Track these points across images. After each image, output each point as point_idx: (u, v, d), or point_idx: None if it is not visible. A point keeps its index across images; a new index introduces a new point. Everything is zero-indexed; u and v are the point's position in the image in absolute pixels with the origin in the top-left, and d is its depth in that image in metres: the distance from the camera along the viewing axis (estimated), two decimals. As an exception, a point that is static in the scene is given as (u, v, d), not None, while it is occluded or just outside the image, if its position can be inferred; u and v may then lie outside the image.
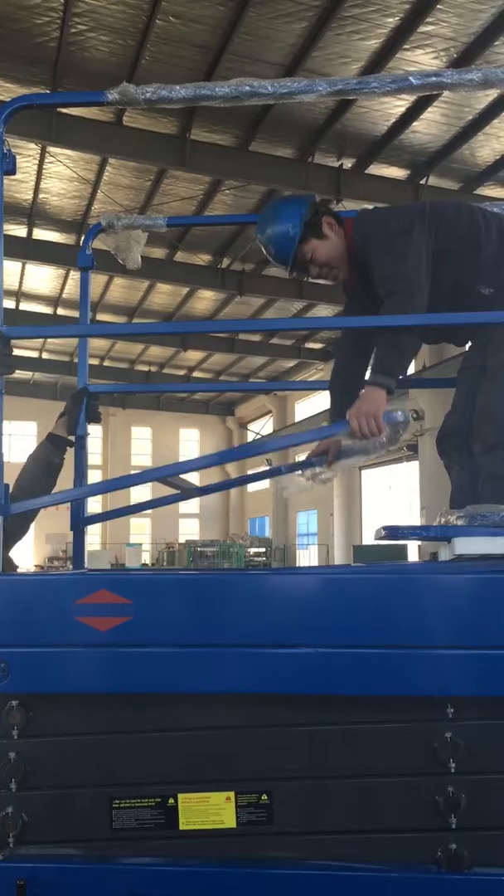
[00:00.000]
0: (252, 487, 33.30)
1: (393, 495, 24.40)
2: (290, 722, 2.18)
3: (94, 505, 31.38)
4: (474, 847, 2.07)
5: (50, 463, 3.44)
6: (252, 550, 29.36)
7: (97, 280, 19.28)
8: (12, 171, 2.40)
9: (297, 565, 26.61)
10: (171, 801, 2.19)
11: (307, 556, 30.15)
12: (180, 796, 2.18)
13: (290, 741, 2.18)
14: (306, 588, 2.19)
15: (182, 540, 31.37)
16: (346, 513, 25.98)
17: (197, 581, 2.35)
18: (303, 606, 2.14)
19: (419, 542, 14.48)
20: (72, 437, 3.46)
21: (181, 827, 2.17)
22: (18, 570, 3.51)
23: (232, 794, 2.17)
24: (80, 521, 3.37)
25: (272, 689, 2.15)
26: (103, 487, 3.58)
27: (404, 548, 17.24)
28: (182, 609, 2.16)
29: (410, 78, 2.37)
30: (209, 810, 2.17)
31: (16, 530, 3.26)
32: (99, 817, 2.19)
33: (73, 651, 2.15)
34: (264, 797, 2.17)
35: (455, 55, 11.16)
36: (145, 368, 29.51)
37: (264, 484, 28.87)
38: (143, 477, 2.77)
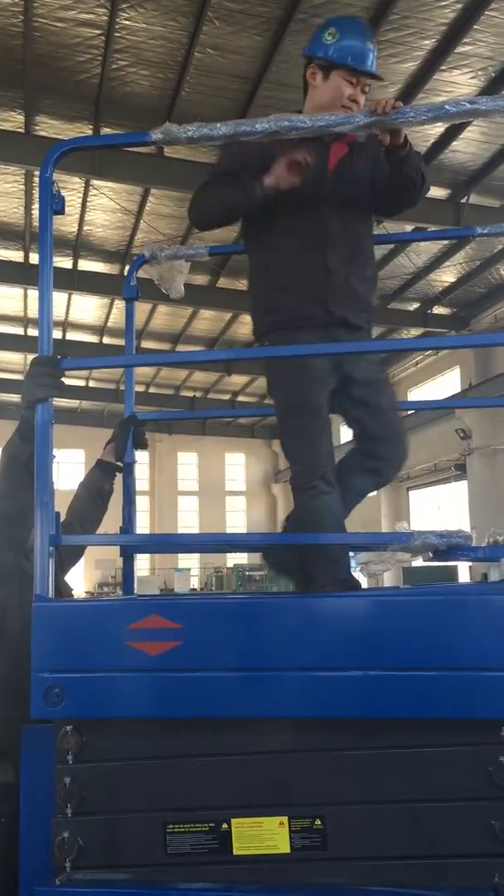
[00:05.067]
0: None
1: (442, 515, 24.13)
2: (343, 746, 2.17)
3: (143, 529, 31.60)
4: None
5: (100, 489, 3.50)
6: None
7: (141, 308, 19.50)
8: (61, 211, 2.47)
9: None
10: (225, 825, 2.19)
11: (359, 577, 29.89)
12: (234, 821, 2.18)
13: (343, 765, 2.17)
14: (356, 611, 2.19)
15: (230, 564, 31.40)
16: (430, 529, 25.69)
17: (245, 605, 2.36)
18: (353, 629, 2.14)
19: (470, 563, 14.28)
20: (120, 464, 3.51)
21: (235, 852, 2.17)
22: (73, 595, 3.57)
23: (286, 819, 2.17)
24: (129, 549, 3.42)
25: (323, 713, 2.14)
26: (151, 541, 3.63)
27: (455, 569, 17.00)
28: (231, 633, 2.17)
29: (446, 106, 2.38)
30: (263, 835, 2.16)
31: (70, 557, 3.32)
32: (153, 842, 2.20)
33: (126, 676, 2.18)
34: (318, 822, 2.16)
35: (493, 74, 11.15)
36: (190, 394, 29.73)
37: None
38: (192, 539, 2.81)
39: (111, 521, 3.48)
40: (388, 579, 25.13)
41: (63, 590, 3.16)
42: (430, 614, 2.13)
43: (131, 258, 16.86)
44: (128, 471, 3.50)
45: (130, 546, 3.40)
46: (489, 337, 2.91)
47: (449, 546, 2.32)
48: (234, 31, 10.45)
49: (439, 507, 24.36)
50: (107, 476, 3.51)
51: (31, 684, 2.17)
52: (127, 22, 10.34)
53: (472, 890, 2.07)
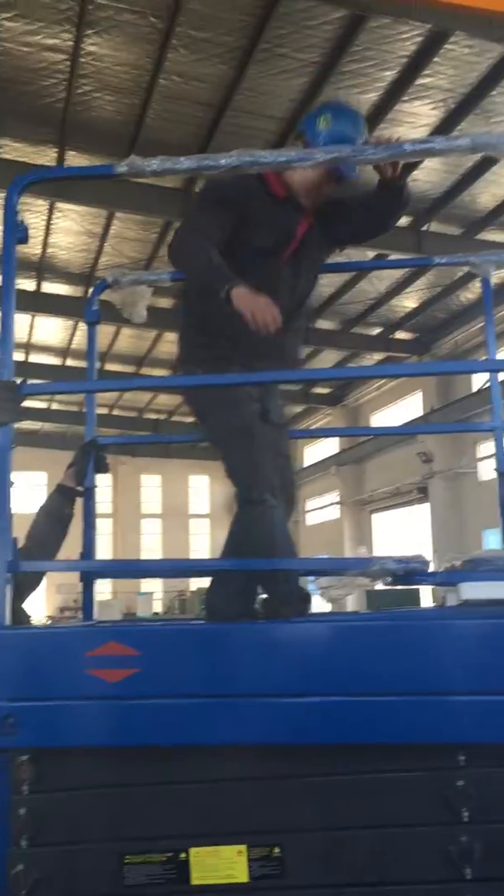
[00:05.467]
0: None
1: (405, 538, 24.28)
2: (301, 773, 2.17)
3: (105, 553, 31.31)
4: (489, 897, 2.04)
5: (60, 514, 3.48)
6: (264, 597, 29.10)
7: (105, 330, 19.51)
8: (25, 241, 2.48)
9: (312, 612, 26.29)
10: (183, 855, 2.17)
11: (320, 601, 29.90)
12: (192, 850, 2.16)
13: (302, 792, 2.17)
14: (314, 637, 2.20)
15: (193, 587, 31.23)
16: (369, 555, 25.86)
17: (203, 632, 2.36)
18: (310, 655, 2.15)
19: (432, 587, 14.36)
20: (80, 488, 3.49)
21: (193, 882, 2.15)
22: (31, 622, 3.53)
23: (244, 848, 2.15)
24: (89, 574, 3.39)
25: (283, 739, 2.14)
26: (110, 567, 3.60)
27: (417, 592, 17.09)
28: (190, 660, 2.17)
29: (404, 146, 2.48)
30: (221, 864, 2.15)
31: (29, 583, 3.28)
32: (111, 874, 2.17)
33: (83, 704, 2.15)
34: (277, 850, 2.15)
35: (453, 105, 11.40)
36: (154, 416, 29.66)
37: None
38: (151, 565, 2.80)
39: (72, 546, 3.46)
40: (351, 603, 25.20)
41: (21, 617, 3.13)
42: (389, 640, 2.14)
43: (95, 281, 16.83)
44: (88, 495, 3.48)
45: (90, 572, 3.38)
46: (441, 365, 2.95)
47: (406, 571, 2.34)
48: (198, 58, 10.56)
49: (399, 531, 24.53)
50: (67, 501, 3.49)
51: (-14, 713, 2.14)
52: (92, 48, 10.40)
53: (430, 916, 2.08)
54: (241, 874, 2.13)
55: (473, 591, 2.29)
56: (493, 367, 2.94)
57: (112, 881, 2.16)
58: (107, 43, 10.34)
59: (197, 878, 2.15)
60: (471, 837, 2.05)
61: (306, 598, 2.98)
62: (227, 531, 3.04)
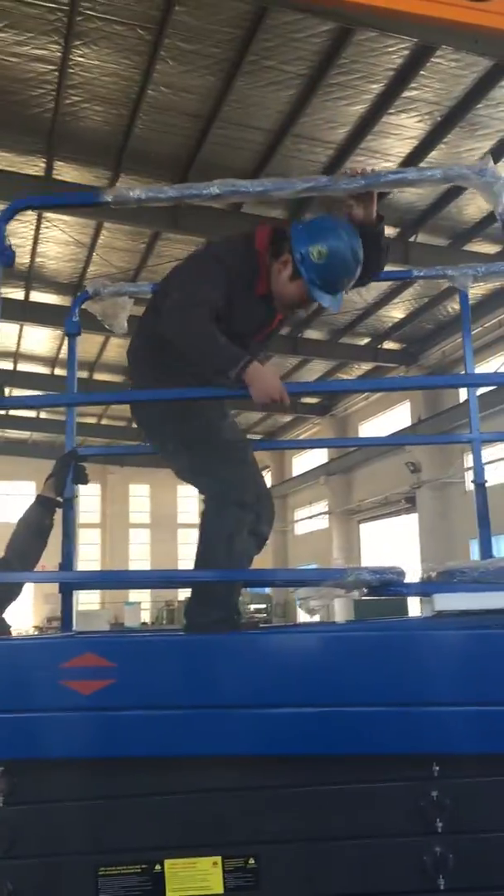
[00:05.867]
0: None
1: (393, 548, 24.31)
2: (277, 784, 2.17)
3: (94, 562, 31.22)
4: (463, 909, 2.05)
5: (40, 525, 3.47)
6: (252, 607, 29.09)
7: (94, 340, 19.51)
8: (11, 265, 2.50)
9: (298, 621, 26.32)
10: (158, 867, 2.17)
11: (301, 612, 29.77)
12: (167, 862, 2.16)
13: (277, 803, 2.17)
14: (287, 648, 2.21)
15: (182, 597, 31.15)
16: (346, 566, 25.82)
17: (178, 643, 2.36)
18: (284, 667, 2.16)
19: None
20: (60, 499, 3.49)
21: (168, 894, 2.15)
22: (12, 632, 3.52)
23: (219, 859, 2.15)
24: (68, 585, 3.39)
25: (258, 751, 2.15)
26: (90, 578, 3.58)
27: (404, 601, 17.10)
28: (165, 672, 2.17)
29: (379, 177, 2.56)
30: (196, 876, 2.15)
31: (8, 594, 3.27)
32: (85, 886, 2.16)
33: (58, 716, 2.15)
34: (251, 861, 2.15)
35: (439, 118, 11.48)
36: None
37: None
38: (132, 575, 2.80)
39: (57, 556, 3.45)
40: (339, 611, 25.23)
41: (1, 627, 3.13)
42: (363, 652, 2.15)
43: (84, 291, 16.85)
44: (68, 506, 3.48)
45: (69, 583, 3.37)
46: (420, 380, 2.98)
47: (381, 582, 2.35)
48: (186, 70, 10.61)
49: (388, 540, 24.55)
50: (47, 512, 3.49)
51: (-38, 725, 2.14)
52: (80, 59, 10.44)
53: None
54: (216, 886, 2.14)
55: (447, 602, 2.30)
56: (470, 382, 2.96)
57: (87, 893, 2.15)
58: (95, 54, 10.38)
59: (172, 891, 2.15)
60: (444, 847, 2.06)
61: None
62: (202, 542, 2.99)
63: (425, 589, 2.47)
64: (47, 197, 10.11)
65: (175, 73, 10.68)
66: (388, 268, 3.26)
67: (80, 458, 3.49)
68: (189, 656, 2.20)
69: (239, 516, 2.89)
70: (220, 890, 2.13)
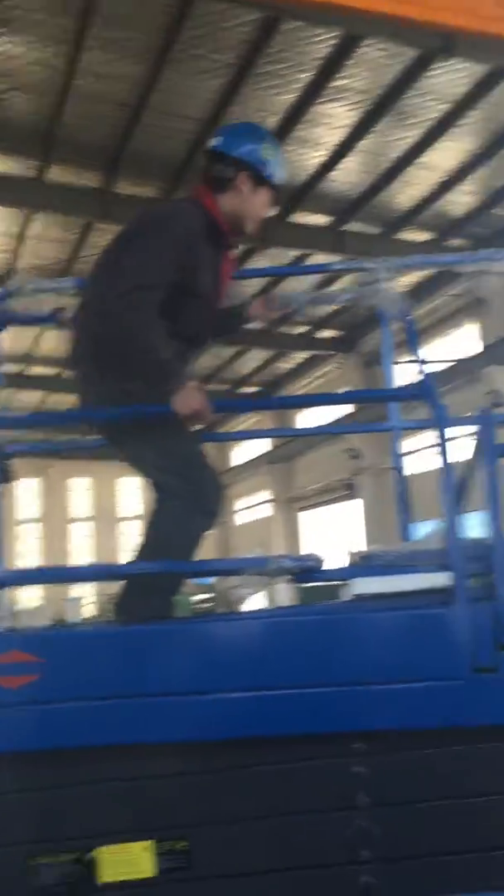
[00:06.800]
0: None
1: (336, 535, 24.56)
2: (206, 768, 2.22)
3: (33, 557, 30.84)
4: (388, 878, 2.13)
5: None
6: (197, 597, 29.10)
7: (28, 333, 19.22)
8: None
9: (241, 609, 26.36)
10: (91, 854, 2.20)
11: (253, 599, 29.96)
12: (100, 849, 2.19)
13: (207, 787, 2.22)
14: (213, 636, 2.26)
15: (125, 590, 30.89)
16: (289, 553, 26.02)
17: (105, 636, 2.39)
18: (211, 653, 2.20)
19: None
20: None
21: (102, 880, 2.18)
22: None
23: (150, 844, 2.19)
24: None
25: (186, 736, 2.19)
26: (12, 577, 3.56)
27: (346, 586, 17.31)
28: (93, 663, 2.20)
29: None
30: (128, 861, 2.19)
31: None
32: (19, 875, 2.18)
33: (-10, 710, 2.17)
34: (183, 844, 2.20)
35: (369, 107, 11.60)
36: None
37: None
38: (72, 572, 2.79)
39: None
40: (285, 598, 25.39)
41: None
42: (286, 635, 2.21)
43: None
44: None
45: None
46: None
47: (302, 569, 2.42)
48: (113, 58, 10.50)
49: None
50: None
51: None
52: (5, 46, 10.25)
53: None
54: (147, 869, 2.18)
55: (364, 586, 2.38)
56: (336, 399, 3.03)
57: (20, 883, 2.17)
58: (20, 41, 10.20)
59: (105, 876, 2.18)
60: (368, 821, 2.14)
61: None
62: (150, 533, 2.96)
63: (342, 574, 2.55)
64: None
65: (102, 61, 10.56)
66: (315, 258, 3.42)
67: (5, 455, 3.44)
68: (116, 647, 2.23)
69: (204, 524, 2.89)
70: (153, 873, 2.17)
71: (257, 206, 3.04)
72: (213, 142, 3.10)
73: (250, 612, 3.36)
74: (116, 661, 2.19)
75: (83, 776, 2.21)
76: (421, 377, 2.85)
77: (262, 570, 2.36)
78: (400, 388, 3.03)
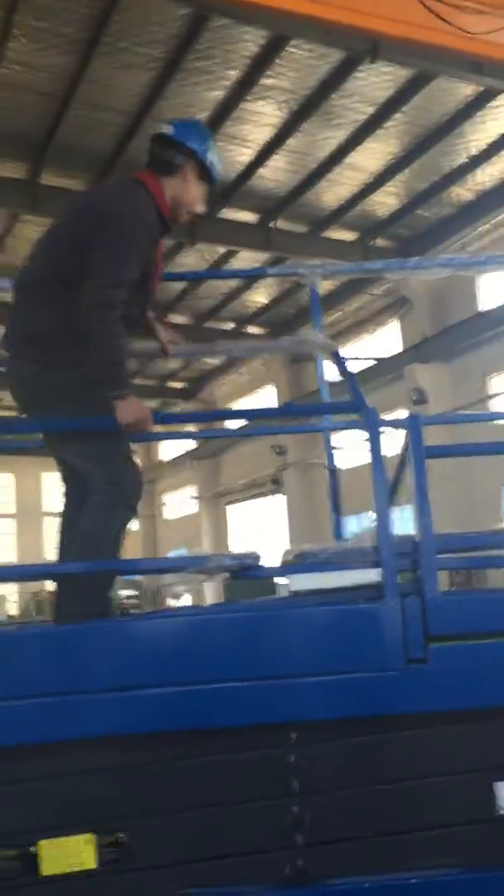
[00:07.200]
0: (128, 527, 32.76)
1: (261, 529, 24.74)
2: (144, 760, 2.27)
3: (-44, 556, 30.16)
4: (319, 861, 2.22)
5: None
6: (123, 593, 28.94)
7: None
8: None
9: (167, 607, 26.36)
10: (32, 848, 2.23)
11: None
12: (40, 843, 2.22)
13: (146, 779, 2.27)
14: (152, 632, 2.31)
15: (50, 588, 30.57)
16: (216, 549, 26.11)
17: (41, 635, 2.43)
18: (149, 649, 2.26)
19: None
20: None
21: (43, 873, 2.21)
22: None
23: (91, 836, 2.24)
24: None
25: (125, 730, 2.24)
26: None
27: (272, 582, 17.49)
28: (30, 662, 2.23)
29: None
30: (69, 853, 2.22)
31: None
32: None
33: None
34: (122, 835, 2.25)
35: (295, 107, 11.73)
36: (5, 413, 28.83)
37: (133, 524, 28.56)
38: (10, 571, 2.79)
39: None
40: (210, 594, 25.49)
41: None
42: (223, 631, 2.28)
43: None
44: None
45: None
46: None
47: (240, 567, 2.49)
48: (39, 48, 10.39)
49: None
50: None
51: None
52: None
53: (268, 881, 2.23)
54: (89, 861, 2.22)
55: (300, 582, 2.47)
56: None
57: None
58: None
59: (46, 869, 2.22)
60: (301, 807, 2.23)
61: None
62: (86, 536, 2.96)
63: (280, 572, 2.63)
64: None
65: (27, 50, 10.43)
66: (242, 254, 3.53)
67: None
68: (53, 646, 2.26)
69: (127, 517, 2.97)
70: (94, 865, 2.22)
71: (195, 196, 3.23)
72: (167, 129, 3.25)
73: (192, 609, 3.42)
74: (56, 660, 2.23)
75: (22, 772, 2.24)
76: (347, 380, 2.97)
77: (202, 568, 2.43)
78: (336, 403, 3.14)
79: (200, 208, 3.26)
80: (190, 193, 3.20)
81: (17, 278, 3.19)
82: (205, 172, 3.22)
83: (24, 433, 3.43)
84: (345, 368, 3.11)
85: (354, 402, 2.72)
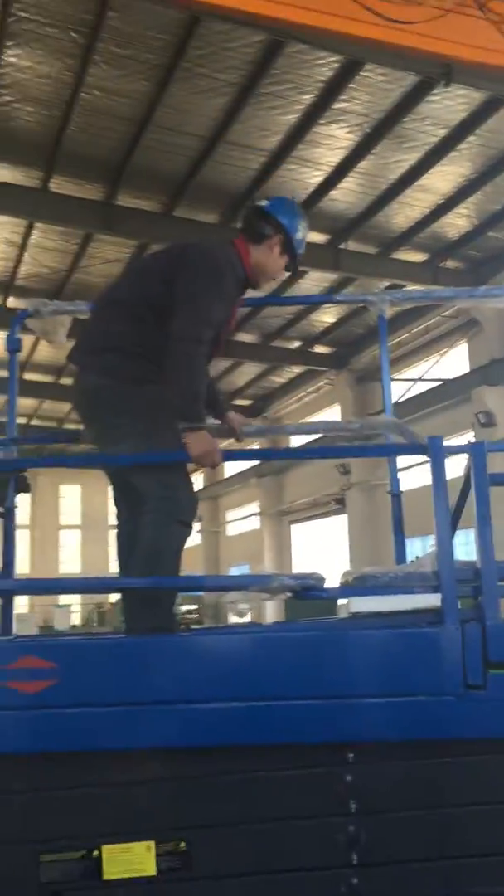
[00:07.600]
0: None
1: (323, 549, 24.67)
2: (206, 773, 2.34)
3: (22, 564, 30.81)
4: (374, 881, 2.25)
5: None
6: (184, 608, 29.14)
7: (24, 341, 19.29)
8: None
9: (228, 622, 26.41)
10: (96, 852, 2.31)
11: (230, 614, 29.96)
12: (104, 848, 2.31)
13: (207, 791, 2.34)
14: (218, 648, 2.39)
15: (113, 599, 31.00)
16: (277, 567, 26.13)
17: (114, 645, 2.52)
18: (215, 665, 2.33)
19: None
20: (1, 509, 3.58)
21: (105, 877, 2.30)
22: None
23: (152, 844, 2.31)
24: (7, 591, 3.50)
25: (190, 742, 2.31)
26: (30, 586, 3.63)
27: (334, 602, 17.41)
28: (102, 671, 2.32)
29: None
30: (132, 859, 2.30)
31: None
32: (27, 872, 2.30)
33: (4, 714, 2.28)
34: (182, 845, 2.32)
35: (368, 130, 11.80)
36: (73, 426, 29.38)
37: (196, 539, 28.85)
38: (70, 583, 2.90)
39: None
40: (271, 611, 25.48)
41: None
42: (287, 650, 2.34)
43: (14, 290, 16.72)
44: (8, 516, 3.57)
45: (8, 589, 3.48)
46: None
47: (303, 587, 2.55)
48: (120, 74, 10.68)
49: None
50: None
51: None
52: (13, 59, 10.42)
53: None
54: (149, 868, 2.29)
55: (361, 604, 2.51)
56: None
57: (28, 879, 2.29)
58: (28, 55, 10.37)
59: (109, 874, 2.30)
60: (357, 827, 2.26)
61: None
62: (148, 553, 3.04)
63: (341, 593, 2.68)
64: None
65: (109, 76, 10.74)
66: (312, 275, 3.69)
67: (21, 468, 3.57)
68: (124, 657, 2.35)
69: (182, 534, 3.09)
70: (153, 872, 2.29)
71: (276, 267, 3.48)
72: (264, 203, 3.51)
73: (253, 627, 3.49)
74: (127, 671, 2.31)
75: (90, 778, 2.33)
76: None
77: (265, 587, 2.50)
78: (401, 446, 3.21)
79: (279, 276, 3.52)
80: (273, 263, 3.44)
81: (103, 293, 3.36)
82: (289, 247, 3.44)
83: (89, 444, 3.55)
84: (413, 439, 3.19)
85: (418, 448, 2.75)
